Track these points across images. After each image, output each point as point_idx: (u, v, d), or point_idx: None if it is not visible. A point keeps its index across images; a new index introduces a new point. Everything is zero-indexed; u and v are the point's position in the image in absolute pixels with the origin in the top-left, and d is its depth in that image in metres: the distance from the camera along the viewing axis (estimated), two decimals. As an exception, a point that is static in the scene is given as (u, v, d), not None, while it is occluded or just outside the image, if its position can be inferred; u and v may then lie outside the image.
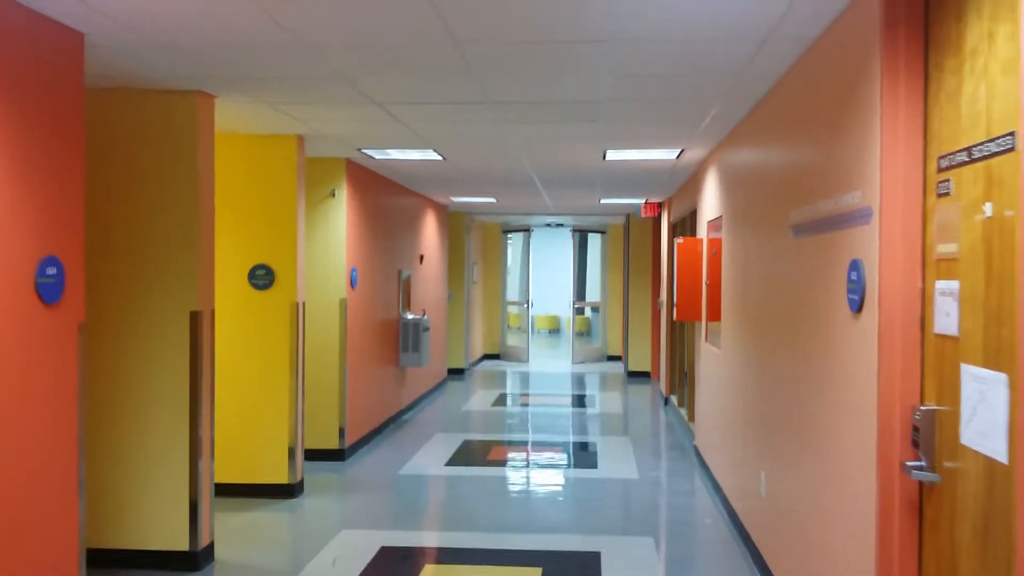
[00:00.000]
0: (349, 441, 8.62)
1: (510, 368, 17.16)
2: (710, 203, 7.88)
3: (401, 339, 10.82)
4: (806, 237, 4.33)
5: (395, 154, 8.10)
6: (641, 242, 15.38)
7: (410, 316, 11.00)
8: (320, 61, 4.66)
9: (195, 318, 5.43)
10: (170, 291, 5.39)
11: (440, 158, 8.26)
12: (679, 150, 7.70)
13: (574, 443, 9.63)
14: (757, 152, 5.77)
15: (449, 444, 9.37)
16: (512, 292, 27.78)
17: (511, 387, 14.66)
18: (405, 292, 11.10)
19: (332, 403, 8.43)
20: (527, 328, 27.42)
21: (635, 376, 15.33)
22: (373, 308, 9.52)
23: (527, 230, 18.92)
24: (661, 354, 13.42)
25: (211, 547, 5.59)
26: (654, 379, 15.09)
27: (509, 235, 19.02)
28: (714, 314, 7.66)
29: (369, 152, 7.99)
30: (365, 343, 9.22)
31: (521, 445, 9.65)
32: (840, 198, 3.73)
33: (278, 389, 7.06)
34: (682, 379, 11.13)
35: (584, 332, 25.50)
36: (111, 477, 5.38)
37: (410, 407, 11.46)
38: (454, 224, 15.57)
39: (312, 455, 8.33)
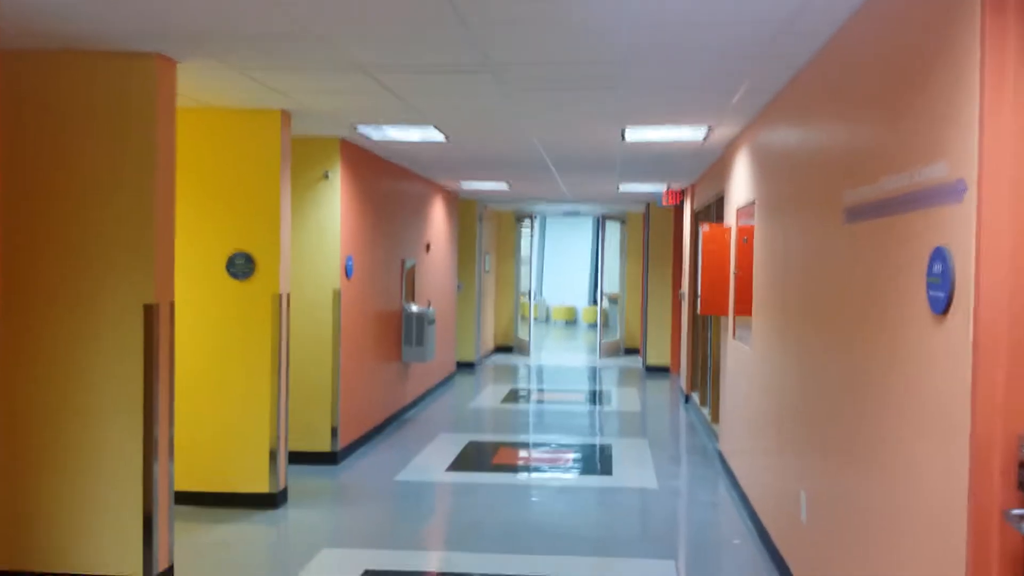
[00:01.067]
0: (343, 443, 7.95)
1: (523, 362, 16.46)
2: (740, 188, 7.13)
3: (404, 332, 10.13)
4: (865, 222, 3.59)
5: (393, 133, 7.39)
6: (661, 231, 14.62)
7: (414, 308, 10.31)
8: (287, 14, 3.95)
9: (150, 312, 4.75)
10: (121, 282, 4.71)
11: (442, 137, 7.54)
12: (706, 128, 6.94)
13: (588, 445, 8.91)
14: (798, 128, 5.02)
15: (453, 445, 8.69)
16: (527, 282, 27.07)
17: (523, 382, 13.96)
18: (409, 282, 10.41)
19: (324, 402, 7.75)
20: (541, 319, 26.79)
21: (654, 371, 14.60)
22: (372, 299, 8.84)
23: (530, 216, 18.23)
24: (682, 349, 12.67)
25: (170, 572, 4.93)
26: (674, 374, 14.35)
27: (523, 222, 18.26)
28: (743, 308, 6.92)
29: (365, 130, 7.29)
30: (362, 337, 8.54)
31: (530, 447, 8.96)
32: (916, 172, 2.99)
33: (259, 387, 6.38)
34: (704, 376, 10.39)
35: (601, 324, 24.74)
36: (53, 493, 4.71)
37: (414, 404, 10.79)
38: (465, 212, 14.86)
39: (301, 459, 7.67)
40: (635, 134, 7.21)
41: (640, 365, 15.59)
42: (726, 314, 7.63)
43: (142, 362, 4.75)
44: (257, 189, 6.40)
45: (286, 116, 6.47)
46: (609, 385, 13.53)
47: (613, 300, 19.57)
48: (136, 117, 4.74)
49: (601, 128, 7.05)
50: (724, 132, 7.16)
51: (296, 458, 7.65)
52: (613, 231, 18.49)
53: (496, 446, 8.79)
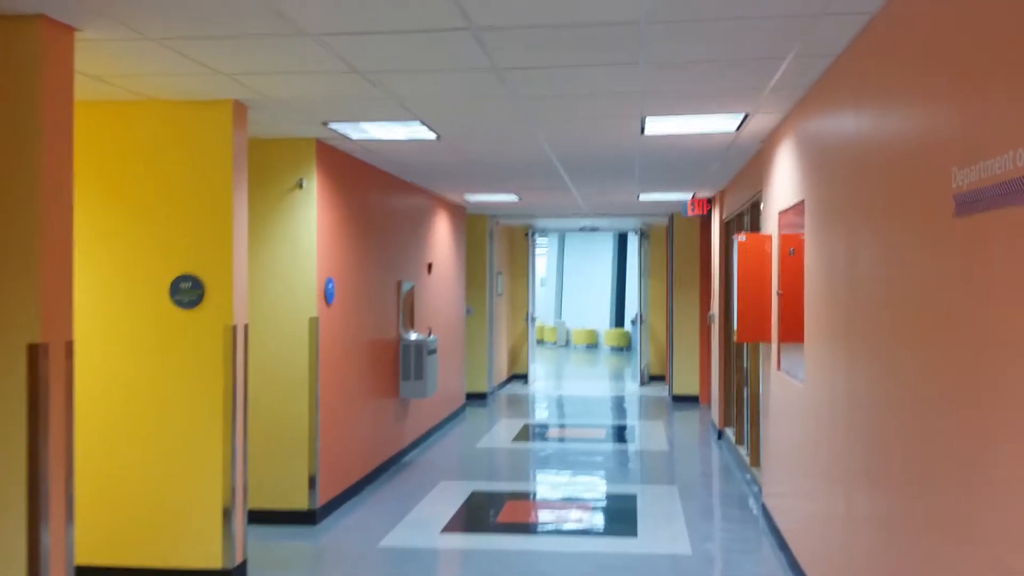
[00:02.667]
0: (324, 498, 6.82)
1: (540, 392, 15.28)
2: (783, 188, 5.99)
3: (401, 365, 9.02)
4: (994, 211, 2.44)
5: (374, 130, 6.33)
6: (687, 245, 13.46)
7: (412, 336, 9.21)
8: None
9: (36, 353, 3.67)
10: (-11, 313, 3.64)
11: (432, 135, 6.47)
12: (741, 116, 5.82)
13: (609, 496, 7.73)
14: (870, 105, 3.88)
15: (454, 497, 7.54)
16: (543, 304, 25.86)
17: (538, 415, 12.78)
18: (407, 308, 9.31)
19: (298, 450, 6.64)
20: (561, 342, 25.58)
21: (681, 401, 13.38)
22: (359, 328, 7.74)
23: (545, 233, 17.04)
24: (713, 378, 11.47)
25: None
26: (703, 404, 13.14)
27: (535, 238, 17.10)
28: (790, 334, 5.76)
29: (340, 128, 6.23)
30: (347, 371, 7.43)
31: (543, 499, 7.79)
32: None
33: (208, 436, 5.29)
34: (740, 410, 9.19)
35: (623, 347, 23.55)
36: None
37: (414, 445, 9.65)
38: (475, 228, 13.77)
39: (272, 519, 6.56)
40: (657, 125, 6.10)
41: (666, 395, 14.38)
42: (768, 341, 6.47)
43: (25, 413, 3.67)
44: (205, 198, 5.33)
45: (240, 109, 5.42)
46: (633, 419, 12.33)
47: (634, 321, 18.33)
48: (13, 101, 3.69)
49: (617, 119, 5.94)
50: (762, 121, 6.03)
51: (266, 518, 6.55)
52: (635, 248, 17.31)
53: (503, 498, 7.62)
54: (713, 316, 11.07)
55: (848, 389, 4.19)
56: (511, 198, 11.10)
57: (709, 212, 11.39)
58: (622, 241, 24.41)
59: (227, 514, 5.29)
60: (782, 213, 6.02)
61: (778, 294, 6.08)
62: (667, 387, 14.50)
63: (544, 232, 21.15)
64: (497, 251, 14.86)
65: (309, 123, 6.05)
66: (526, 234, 16.56)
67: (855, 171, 4.09)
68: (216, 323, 5.29)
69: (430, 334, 9.70)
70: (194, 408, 5.29)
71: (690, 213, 11.39)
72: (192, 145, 5.34)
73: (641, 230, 15.96)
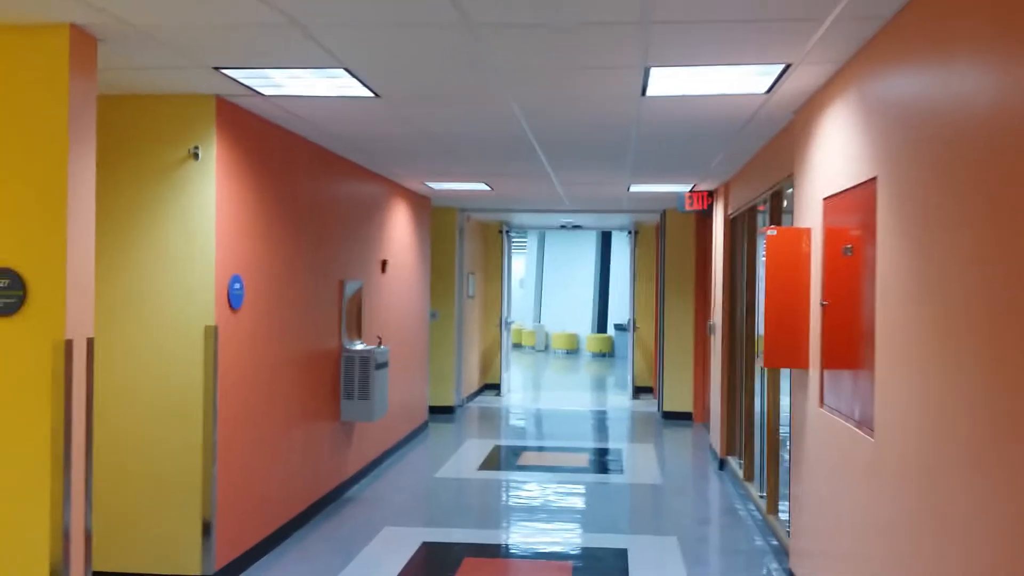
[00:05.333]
0: (226, 555, 5.26)
1: (514, 404, 13.74)
2: (832, 165, 4.49)
3: (343, 382, 7.47)
4: None
5: (289, 82, 4.77)
6: (681, 245, 11.96)
7: (357, 347, 7.65)
8: None
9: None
10: None
11: (367, 92, 4.92)
12: (780, 68, 4.31)
13: (593, 552, 6.20)
14: (1002, 44, 2.38)
15: (398, 550, 6.01)
16: (522, 308, 24.33)
17: (512, 435, 11.24)
18: (352, 313, 7.75)
19: (187, 493, 5.08)
20: (540, 347, 24.03)
21: (672, 418, 11.88)
22: (281, 338, 6.17)
23: (523, 230, 15.51)
24: (711, 395, 9.98)
25: None
26: (697, 422, 11.65)
27: (511, 235, 15.52)
28: (841, 358, 4.28)
29: (243, 78, 4.66)
30: (262, 391, 5.87)
31: (512, 556, 6.26)
32: None
33: (26, 484, 3.73)
34: (749, 438, 7.70)
35: (605, 354, 22.05)
36: None
37: (361, 475, 8.09)
38: (442, 223, 12.20)
39: (150, 590, 5.01)
40: (664, 82, 4.58)
41: (655, 410, 12.88)
42: (804, 367, 4.97)
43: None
44: (27, 166, 3.77)
45: (82, 40, 3.84)
46: (619, 440, 10.81)
47: (622, 328, 16.75)
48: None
49: (612, 72, 4.42)
50: (805, 78, 4.52)
51: (139, 590, 4.99)
52: (622, 245, 15.78)
53: (460, 552, 6.08)
54: (714, 326, 9.58)
55: (970, 456, 2.69)
56: (481, 187, 9.56)
57: (710, 207, 9.90)
58: (606, 241, 22.87)
59: (57, 599, 3.72)
60: (829, 200, 4.52)
61: (822, 305, 4.59)
62: (656, 402, 13.03)
63: (521, 231, 19.61)
64: (468, 249, 13.29)
65: (197, 69, 4.48)
66: (500, 231, 14.99)
67: (979, 137, 2.59)
68: (41, 335, 3.73)
69: (380, 344, 8.15)
70: (9, 448, 3.73)
71: (688, 208, 9.90)
72: (6, 91, 3.78)
73: (631, 228, 14.47)
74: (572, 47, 4.00)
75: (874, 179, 3.75)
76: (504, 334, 14.56)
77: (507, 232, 14.93)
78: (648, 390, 14.70)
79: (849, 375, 4.20)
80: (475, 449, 9.88)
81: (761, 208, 7.26)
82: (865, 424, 3.86)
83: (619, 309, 22.20)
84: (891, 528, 3.47)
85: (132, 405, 5.08)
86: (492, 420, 12.20)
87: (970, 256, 2.75)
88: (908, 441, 3.30)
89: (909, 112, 3.36)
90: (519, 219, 14.59)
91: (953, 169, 2.90)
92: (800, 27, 3.66)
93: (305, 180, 6.59)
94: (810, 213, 4.91)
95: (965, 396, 2.77)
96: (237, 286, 5.36)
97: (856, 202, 4.05)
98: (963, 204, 2.82)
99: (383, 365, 7.77)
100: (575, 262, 23.91)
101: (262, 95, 5.05)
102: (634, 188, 9.52)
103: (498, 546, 6.35)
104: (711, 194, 9.80)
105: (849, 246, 4.16)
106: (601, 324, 23.51)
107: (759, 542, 6.33)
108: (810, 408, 4.87)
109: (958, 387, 2.83)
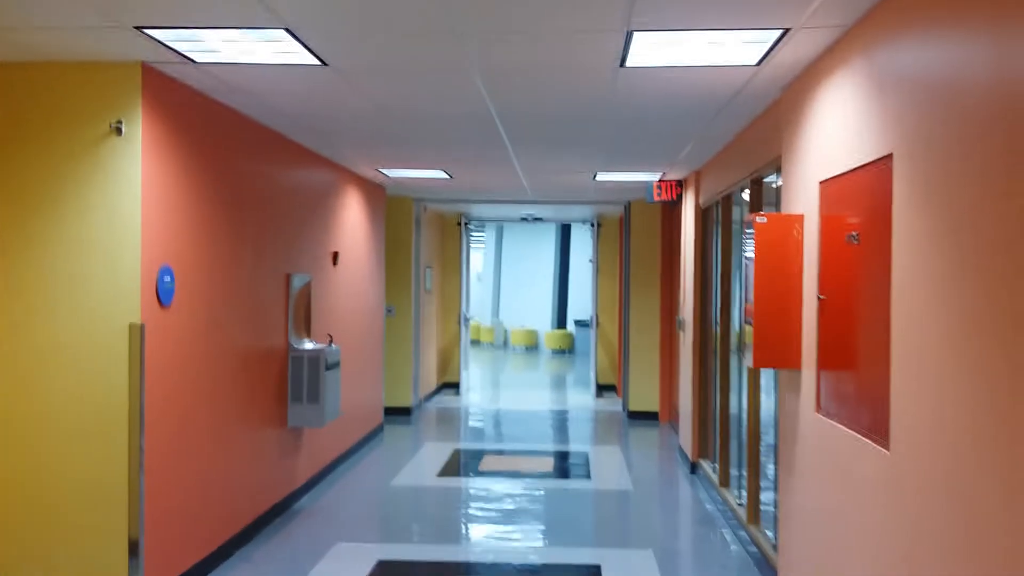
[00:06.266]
0: (153, 585, 4.69)
1: (474, 405, 13.22)
2: (834, 143, 4.04)
3: (290, 383, 6.89)
4: None
5: (224, 47, 4.21)
6: (646, 238, 11.53)
7: (306, 346, 7.08)
8: None
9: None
10: None
11: (314, 59, 4.37)
12: (777, 33, 3.86)
13: (562, 569, 5.72)
14: None
15: (350, 569, 5.48)
16: (482, 304, 23.86)
17: (472, 438, 10.72)
18: (300, 308, 7.18)
19: (111, 510, 4.50)
20: (499, 343, 23.51)
21: (638, 418, 11.46)
22: (220, 336, 5.59)
23: (481, 222, 15.02)
24: (679, 393, 9.57)
25: None
26: (663, 422, 11.25)
27: (469, 227, 14.97)
28: (840, 359, 3.85)
29: (167, 39, 4.09)
30: (198, 396, 5.29)
31: (472, 571, 5.75)
32: None
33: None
34: (725, 441, 7.28)
35: (565, 350, 21.62)
36: None
37: (311, 484, 7.52)
38: (397, 212, 11.62)
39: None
40: (646, 51, 4.10)
41: (620, 409, 12.46)
42: (796, 367, 4.53)
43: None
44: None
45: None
46: (583, 443, 10.35)
47: (583, 324, 16.26)
48: None
49: (589, 36, 3.92)
50: (803, 46, 4.07)
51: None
52: (582, 239, 15.32)
53: (418, 573, 5.57)
54: (683, 322, 9.16)
55: (1011, 473, 2.25)
56: (439, 175, 9.02)
57: (679, 197, 9.48)
58: (565, 234, 22.40)
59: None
60: (828, 183, 4.08)
61: (819, 299, 4.15)
62: (621, 401, 12.61)
63: (480, 223, 19.07)
64: (426, 241, 12.73)
65: (115, 29, 3.90)
66: (459, 223, 14.45)
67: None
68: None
69: (331, 342, 7.58)
70: None
71: (656, 198, 9.47)
72: None
73: (593, 221, 14.03)
74: (548, 3, 3.50)
75: (889, 156, 3.31)
76: (464, 331, 14.03)
77: (466, 224, 14.39)
78: (612, 388, 14.29)
79: (852, 377, 3.76)
80: (434, 453, 9.35)
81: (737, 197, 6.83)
82: (876, 433, 3.42)
83: (579, 304, 21.77)
84: (914, 554, 3.03)
85: (45, 415, 4.48)
86: (452, 421, 11.68)
87: (1008, 240, 2.31)
88: (934, 455, 2.86)
89: (935, 79, 2.91)
90: (479, 210, 14.07)
91: (989, 143, 2.45)
92: (808, -19, 3.21)
93: (248, 163, 6.01)
94: (803, 198, 4.47)
95: (1005, 403, 2.33)
96: (167, 279, 4.77)
97: (863, 184, 3.61)
98: (999, 182, 2.38)
99: (334, 365, 7.21)
100: (534, 256, 23.43)
101: (194, 62, 4.47)
102: (601, 177, 9.06)
103: (459, 564, 5.83)
104: (680, 183, 9.37)
105: (854, 233, 3.71)
106: (561, 320, 23.07)
107: (740, 554, 5.91)
108: (803, 412, 4.43)
109: (996, 392, 2.39)
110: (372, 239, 9.90)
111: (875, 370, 3.43)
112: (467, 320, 14.20)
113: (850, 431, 3.74)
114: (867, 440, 3.52)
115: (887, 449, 3.29)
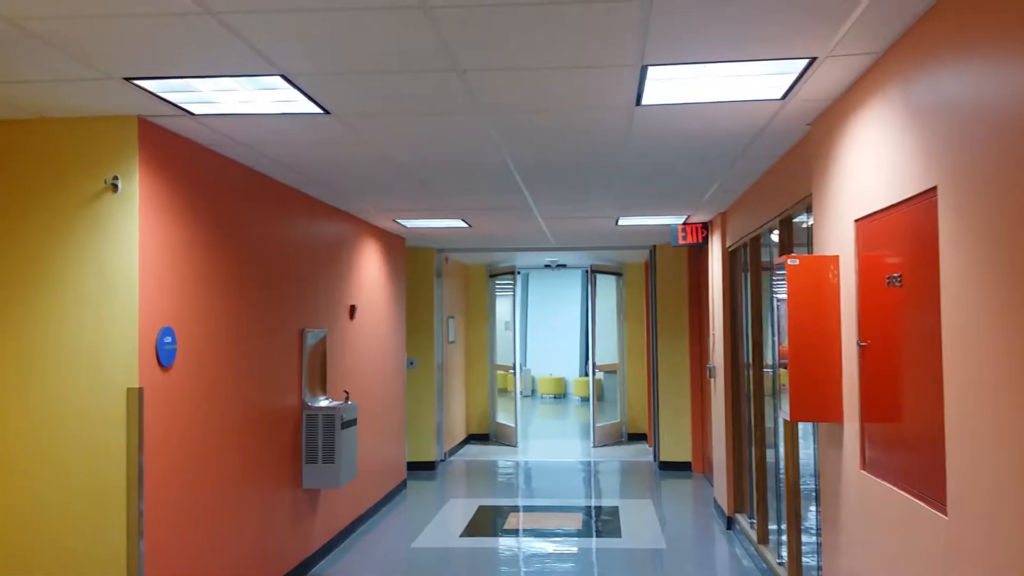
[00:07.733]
0: (153, 668, 4.39)
1: (502, 457, 12.86)
2: (868, 180, 3.76)
3: (304, 443, 6.64)
4: None
5: (220, 97, 4.04)
6: (673, 283, 11.23)
7: (321, 403, 6.84)
8: None
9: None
10: None
11: (316, 108, 4.18)
12: (803, 63, 3.60)
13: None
14: None
15: (365, 644, 5.15)
16: (511, 353, 23.57)
17: (499, 493, 10.36)
18: (315, 365, 6.94)
19: (106, 600, 4.23)
20: (527, 392, 23.08)
21: (670, 469, 11.06)
22: (227, 397, 5.35)
23: (511, 273, 14.79)
24: (715, 447, 9.18)
25: None
26: (696, 473, 10.84)
27: (498, 277, 14.75)
28: (890, 410, 3.53)
29: (160, 91, 3.92)
30: (203, 461, 5.03)
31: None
32: None
33: None
34: (762, 494, 6.90)
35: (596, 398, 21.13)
36: None
37: (328, 548, 7.21)
38: (418, 263, 11.45)
39: None
40: (662, 87, 3.87)
41: (651, 459, 12.05)
42: (838, 420, 4.20)
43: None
44: None
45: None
46: (613, 497, 9.95)
47: (610, 372, 15.90)
48: None
49: (602, 73, 3.69)
50: (831, 75, 3.82)
51: None
52: (607, 287, 15.05)
53: (437, 643, 5.24)
54: (714, 369, 8.81)
55: None
56: (458, 223, 8.83)
57: (705, 240, 9.20)
58: (592, 280, 22.10)
59: None
60: (864, 221, 3.79)
61: (860, 346, 3.84)
62: (652, 451, 12.20)
63: (506, 271, 18.84)
64: (448, 291, 12.52)
65: (106, 81, 3.73)
66: (493, 275, 14.24)
67: None
68: None
69: (347, 399, 7.33)
70: None
71: (681, 242, 9.19)
72: None
73: (614, 270, 13.74)
74: (559, 47, 3.28)
75: (933, 190, 3.03)
76: (491, 381, 13.73)
77: (491, 276, 14.19)
78: (642, 437, 13.88)
79: (900, 431, 3.44)
80: (458, 510, 9.01)
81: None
82: (931, 496, 3.08)
83: (607, 349, 21.39)
84: (982, 635, 2.68)
85: (39, 483, 4.25)
86: (480, 476, 11.32)
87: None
88: (997, 520, 2.53)
89: (982, 104, 2.64)
90: (504, 259, 13.84)
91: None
92: (831, 7, 2.96)
93: (254, 217, 5.83)
94: (837, 238, 4.18)
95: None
96: (168, 340, 4.56)
97: (904, 220, 3.32)
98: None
99: (351, 423, 6.94)
100: (560, 303, 23.15)
101: (192, 114, 4.30)
102: (623, 221, 8.82)
103: (482, 633, 5.48)
104: (706, 226, 9.10)
105: (896, 275, 3.42)
106: (588, 368, 22.66)
107: (783, 619, 5.51)
108: (847, 469, 4.09)
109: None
110: (392, 291, 9.70)
111: (927, 423, 3.11)
112: (498, 367, 13.88)
113: (900, 492, 3.40)
114: (920, 503, 3.18)
115: (944, 514, 2.96)
